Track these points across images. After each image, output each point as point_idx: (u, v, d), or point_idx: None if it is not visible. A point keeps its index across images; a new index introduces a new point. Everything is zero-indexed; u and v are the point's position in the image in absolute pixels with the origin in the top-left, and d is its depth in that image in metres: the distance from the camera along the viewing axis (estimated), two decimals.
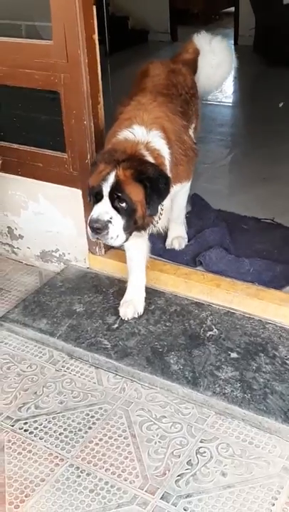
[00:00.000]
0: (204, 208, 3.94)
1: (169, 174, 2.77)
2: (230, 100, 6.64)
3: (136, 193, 2.53)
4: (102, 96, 3.14)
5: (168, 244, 3.47)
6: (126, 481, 2.29)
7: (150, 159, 2.63)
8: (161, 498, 2.21)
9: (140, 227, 2.67)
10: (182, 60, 3.49)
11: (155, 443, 2.44)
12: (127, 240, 2.63)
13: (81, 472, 2.34)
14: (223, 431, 2.48)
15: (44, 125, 3.38)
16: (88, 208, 2.82)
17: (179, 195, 3.22)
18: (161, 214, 2.79)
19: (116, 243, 2.59)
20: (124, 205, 2.51)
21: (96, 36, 3.01)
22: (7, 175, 3.50)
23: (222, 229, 3.64)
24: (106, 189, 2.51)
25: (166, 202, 2.88)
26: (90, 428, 2.53)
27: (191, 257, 3.41)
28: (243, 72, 7.72)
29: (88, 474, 2.33)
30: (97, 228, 2.50)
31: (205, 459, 2.35)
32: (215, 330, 2.96)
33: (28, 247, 3.73)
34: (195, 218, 3.83)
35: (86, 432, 2.51)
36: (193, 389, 2.63)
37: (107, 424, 2.54)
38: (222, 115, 6.04)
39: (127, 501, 2.21)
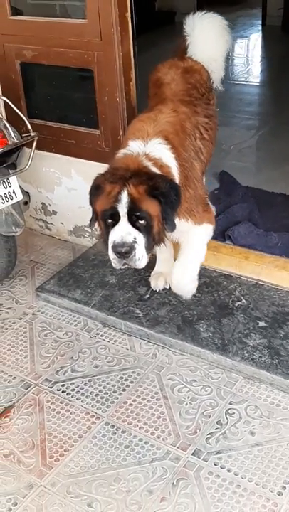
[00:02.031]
0: (232, 185, 4.01)
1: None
2: (258, 80, 6.65)
3: (153, 209, 2.37)
4: (134, 73, 3.22)
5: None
6: (159, 438, 2.42)
7: (155, 170, 2.44)
8: (193, 454, 2.34)
9: (155, 244, 2.51)
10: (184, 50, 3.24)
11: (186, 404, 2.56)
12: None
13: (116, 430, 2.48)
14: (252, 394, 2.58)
15: (77, 102, 3.49)
16: None
17: (186, 240, 2.83)
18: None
19: (142, 265, 2.42)
20: (143, 222, 2.35)
21: (128, 14, 3.09)
22: (41, 152, 3.61)
23: (250, 204, 3.71)
24: (122, 209, 2.32)
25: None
26: (124, 390, 2.66)
27: (219, 232, 3.48)
28: (271, 51, 7.71)
29: (123, 432, 2.46)
30: (125, 252, 2.33)
31: (234, 420, 2.47)
32: (243, 300, 3.05)
33: (62, 223, 3.86)
34: (223, 194, 3.91)
35: (120, 394, 2.64)
36: (222, 355, 2.73)
37: (140, 387, 2.66)
38: (250, 95, 6.06)
39: (160, 456, 2.34)
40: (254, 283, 3.17)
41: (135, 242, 2.34)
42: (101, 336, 3.01)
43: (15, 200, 3.13)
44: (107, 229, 2.40)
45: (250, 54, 7.82)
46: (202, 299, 3.09)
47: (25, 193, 3.28)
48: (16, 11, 3.44)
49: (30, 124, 3.15)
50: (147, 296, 3.15)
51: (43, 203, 3.88)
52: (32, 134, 3.09)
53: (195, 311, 3.00)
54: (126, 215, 2.33)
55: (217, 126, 3.16)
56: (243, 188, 3.98)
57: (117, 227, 2.35)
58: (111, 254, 2.38)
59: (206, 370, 2.73)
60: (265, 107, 5.75)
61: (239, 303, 3.04)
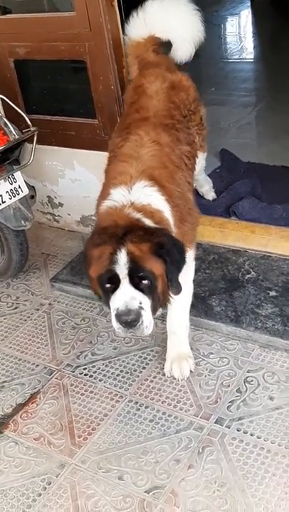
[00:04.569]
0: (233, 162, 4.06)
1: (174, 229, 2.32)
2: (252, 56, 6.64)
3: (157, 268, 2.11)
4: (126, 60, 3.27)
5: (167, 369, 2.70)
6: (182, 410, 2.50)
7: (148, 222, 2.17)
8: (216, 422, 2.42)
9: (159, 306, 2.26)
10: (155, 64, 3.00)
11: (205, 376, 2.64)
12: None
13: (140, 406, 2.56)
14: (268, 361, 2.66)
15: (73, 94, 3.55)
16: None
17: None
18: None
19: (149, 331, 2.14)
20: (147, 282, 2.09)
21: (116, 3, 3.13)
22: (42, 146, 3.66)
23: (253, 179, 3.76)
24: (122, 271, 2.06)
25: None
26: (144, 368, 2.75)
27: (224, 209, 3.55)
28: (261, 26, 7.69)
29: (146, 407, 2.55)
30: (132, 321, 2.06)
31: (253, 387, 2.54)
32: (253, 273, 3.11)
33: (69, 214, 3.93)
34: (225, 172, 3.96)
35: (141, 372, 2.73)
36: (236, 326, 2.80)
37: (160, 364, 2.75)
38: (244, 71, 6.06)
39: (184, 427, 2.43)
40: (262, 255, 3.23)
41: (141, 307, 2.08)
42: None
43: (21, 195, 3.20)
44: (107, 295, 2.14)
45: (241, 31, 7.80)
46: (212, 275, 3.15)
47: (31, 188, 3.36)
48: (4, 10, 3.50)
49: (30, 119, 3.21)
50: None
51: (48, 196, 3.95)
52: (32, 129, 3.15)
53: (206, 287, 3.07)
54: (127, 277, 2.07)
55: (197, 151, 2.96)
56: (245, 164, 4.02)
57: (118, 292, 2.08)
58: (115, 324, 2.11)
59: (222, 342, 2.80)
60: (260, 83, 5.77)
61: (249, 275, 3.10)
